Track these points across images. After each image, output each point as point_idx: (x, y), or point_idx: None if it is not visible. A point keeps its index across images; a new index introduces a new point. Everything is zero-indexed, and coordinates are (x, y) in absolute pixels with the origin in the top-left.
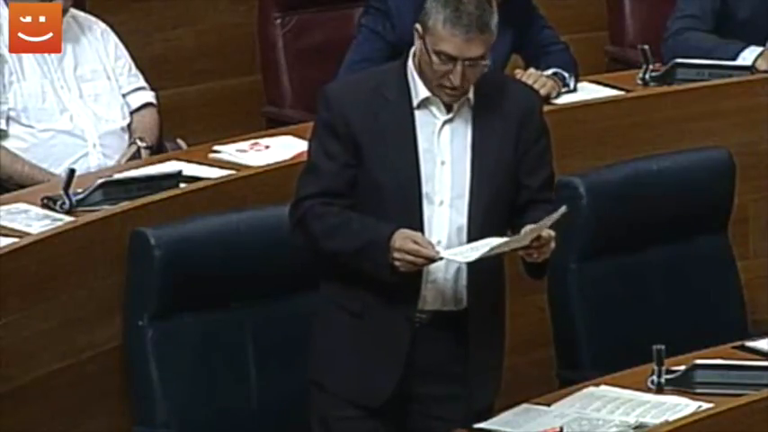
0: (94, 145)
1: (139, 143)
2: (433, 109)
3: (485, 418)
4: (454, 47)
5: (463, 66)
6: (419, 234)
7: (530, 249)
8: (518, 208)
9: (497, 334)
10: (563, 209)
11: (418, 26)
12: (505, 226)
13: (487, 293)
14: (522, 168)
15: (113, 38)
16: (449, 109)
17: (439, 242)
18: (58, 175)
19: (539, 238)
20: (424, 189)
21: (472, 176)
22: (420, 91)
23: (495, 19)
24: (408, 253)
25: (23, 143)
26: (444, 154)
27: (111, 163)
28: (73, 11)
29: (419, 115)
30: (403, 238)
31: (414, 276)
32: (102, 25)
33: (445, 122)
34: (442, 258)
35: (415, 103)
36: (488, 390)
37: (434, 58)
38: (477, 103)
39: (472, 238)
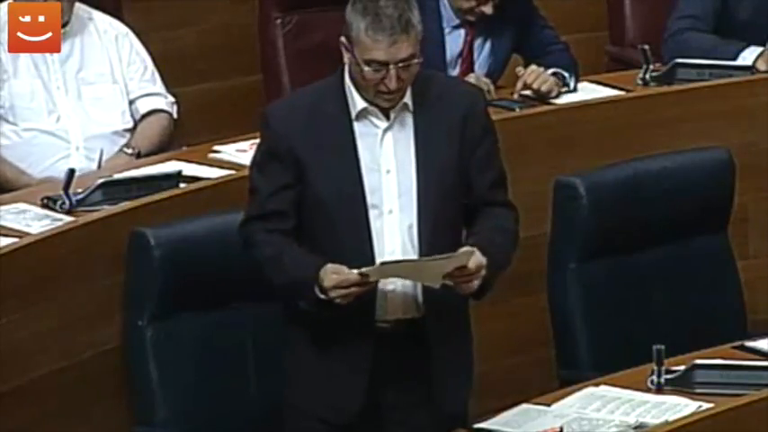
0: (77, 147)
1: (126, 150)
2: (372, 118)
3: (459, 422)
4: (382, 53)
5: (396, 69)
6: (343, 267)
7: (453, 278)
8: (470, 210)
9: (461, 338)
10: (466, 250)
11: (344, 40)
12: (458, 226)
13: (445, 299)
14: (470, 169)
15: (130, 42)
16: (387, 116)
17: (392, 252)
18: (33, 176)
19: (463, 267)
20: (370, 200)
21: (419, 182)
22: (357, 102)
23: (416, 15)
24: (338, 287)
25: (6, 140)
26: (389, 163)
27: (94, 166)
28: (92, 12)
29: (359, 126)
30: (330, 274)
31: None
32: (123, 29)
33: (386, 130)
34: (368, 276)
35: (353, 114)
36: (457, 393)
37: (365, 68)
38: (417, 106)
39: (424, 242)
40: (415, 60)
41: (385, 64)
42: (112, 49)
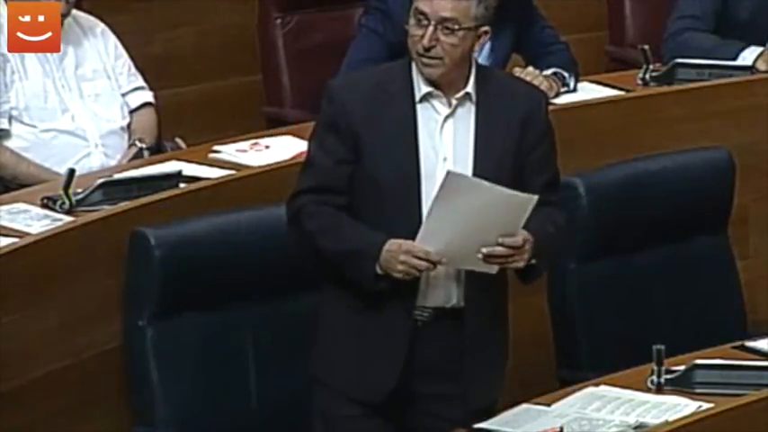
0: (96, 145)
1: (139, 144)
2: (435, 103)
3: (487, 417)
4: (427, 4)
5: (435, 28)
6: (410, 242)
7: (498, 256)
8: None
9: (498, 333)
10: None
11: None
12: None
13: (486, 291)
14: (526, 169)
15: (113, 37)
16: (449, 104)
17: None
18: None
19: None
20: (424, 185)
21: (474, 173)
22: (422, 85)
23: None
24: (410, 254)
25: (25, 142)
26: (446, 150)
27: (112, 163)
28: (73, 11)
29: (421, 110)
30: (402, 244)
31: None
32: (102, 25)
33: (447, 117)
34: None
35: (417, 97)
36: (488, 389)
37: (412, 21)
38: (480, 99)
39: None
40: (458, 29)
41: (427, 18)
42: (100, 44)
